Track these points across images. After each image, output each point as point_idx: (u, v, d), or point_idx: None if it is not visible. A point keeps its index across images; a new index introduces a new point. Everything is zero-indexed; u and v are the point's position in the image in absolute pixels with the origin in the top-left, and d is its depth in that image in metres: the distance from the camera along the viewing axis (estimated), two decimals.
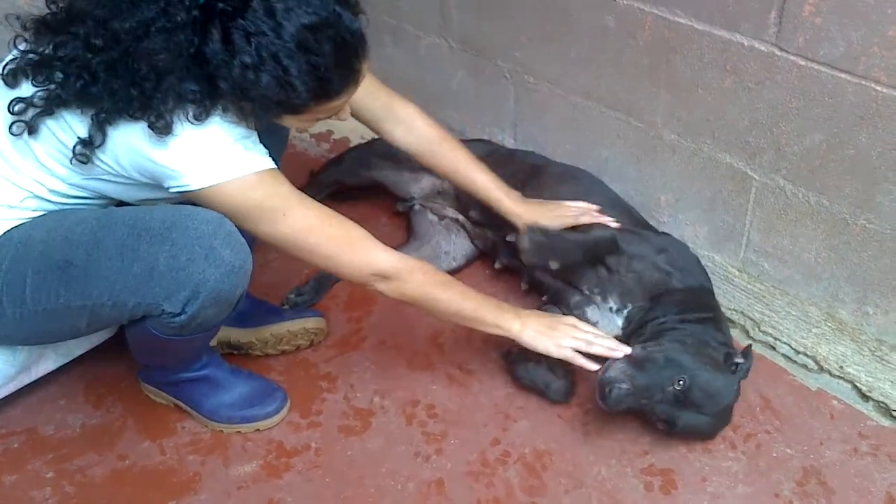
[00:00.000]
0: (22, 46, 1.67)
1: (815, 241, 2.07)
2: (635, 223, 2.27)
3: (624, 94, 2.29)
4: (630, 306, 2.11)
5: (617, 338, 2.03)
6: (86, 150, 1.62)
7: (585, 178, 2.43)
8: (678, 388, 1.86)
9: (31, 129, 1.64)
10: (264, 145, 2.11)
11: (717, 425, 1.98)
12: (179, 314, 1.69)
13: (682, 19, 2.05)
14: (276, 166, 1.73)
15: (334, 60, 1.59)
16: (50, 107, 1.62)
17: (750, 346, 2.03)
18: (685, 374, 1.87)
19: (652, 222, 2.36)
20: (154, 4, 1.54)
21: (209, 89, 1.59)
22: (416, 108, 2.16)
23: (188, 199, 1.70)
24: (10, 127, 1.65)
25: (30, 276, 1.69)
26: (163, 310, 1.68)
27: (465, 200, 2.43)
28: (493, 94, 2.69)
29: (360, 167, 2.62)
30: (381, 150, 2.50)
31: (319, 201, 1.79)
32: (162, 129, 1.57)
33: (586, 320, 2.11)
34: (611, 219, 2.18)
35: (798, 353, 2.18)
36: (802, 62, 1.88)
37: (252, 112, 1.65)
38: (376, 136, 2.23)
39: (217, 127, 1.64)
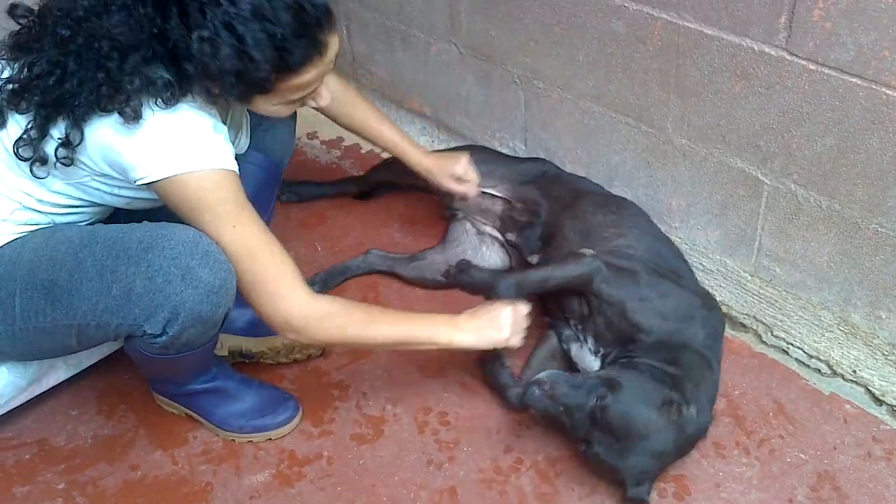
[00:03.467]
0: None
1: (827, 246, 2.06)
2: (662, 265, 2.13)
3: (634, 100, 2.29)
4: (603, 350, 2.04)
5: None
6: (67, 152, 1.60)
7: (629, 207, 2.35)
8: (596, 403, 1.77)
9: (44, 161, 1.63)
10: (267, 144, 2.11)
11: (635, 465, 1.80)
12: (160, 335, 1.68)
13: (691, 24, 2.05)
14: (237, 171, 1.68)
15: (293, 30, 1.55)
16: (44, 132, 1.60)
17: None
18: (610, 392, 1.78)
19: (663, 227, 2.34)
20: None
21: (179, 76, 1.56)
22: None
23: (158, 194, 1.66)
24: (17, 151, 1.63)
25: (18, 295, 1.69)
26: (144, 331, 1.67)
27: (507, 223, 2.42)
28: (502, 99, 2.69)
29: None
30: None
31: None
32: (130, 116, 1.54)
33: (571, 356, 2.12)
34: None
35: (811, 357, 2.17)
36: (813, 66, 1.87)
37: (220, 93, 1.61)
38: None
39: (187, 113, 1.60)
